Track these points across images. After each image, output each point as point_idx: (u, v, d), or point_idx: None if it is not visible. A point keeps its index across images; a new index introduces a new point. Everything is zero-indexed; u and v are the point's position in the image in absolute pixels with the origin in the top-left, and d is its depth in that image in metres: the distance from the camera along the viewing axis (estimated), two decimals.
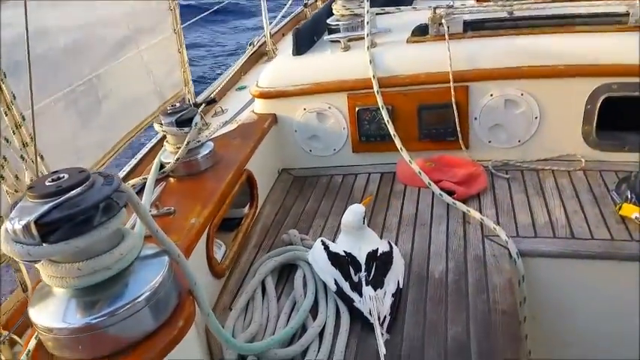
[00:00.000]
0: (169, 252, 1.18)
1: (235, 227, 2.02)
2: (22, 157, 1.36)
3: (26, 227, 0.92)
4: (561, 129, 2.21)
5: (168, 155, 1.92)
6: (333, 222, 2.07)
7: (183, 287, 1.22)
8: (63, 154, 1.81)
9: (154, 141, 2.54)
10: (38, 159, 1.33)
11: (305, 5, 5.03)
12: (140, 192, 1.70)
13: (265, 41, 3.99)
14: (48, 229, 0.94)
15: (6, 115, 1.33)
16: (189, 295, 1.21)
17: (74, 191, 0.97)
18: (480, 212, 1.94)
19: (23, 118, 1.36)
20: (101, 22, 2.13)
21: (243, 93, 3.36)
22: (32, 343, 1.12)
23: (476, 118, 2.27)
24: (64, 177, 1.01)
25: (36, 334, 1.11)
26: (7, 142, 1.31)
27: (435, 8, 2.34)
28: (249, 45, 4.01)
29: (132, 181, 1.88)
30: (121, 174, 2.09)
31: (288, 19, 4.90)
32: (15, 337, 1.30)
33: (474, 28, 2.37)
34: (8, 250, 0.95)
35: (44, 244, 0.94)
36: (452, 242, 1.82)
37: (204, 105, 3.09)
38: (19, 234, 0.93)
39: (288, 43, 4.21)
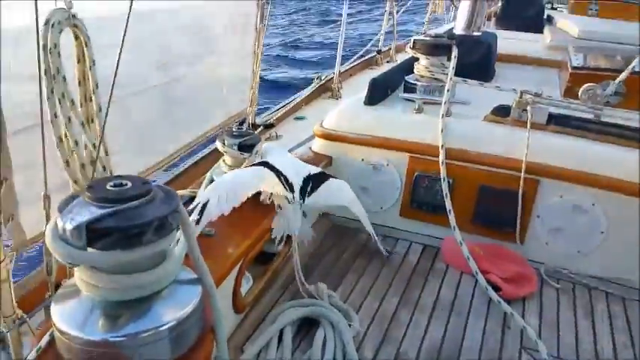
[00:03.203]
0: (204, 282, 1.11)
1: (266, 262, 1.94)
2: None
3: (77, 229, 0.87)
4: (624, 251, 2.06)
5: (221, 173, 1.88)
6: (364, 283, 1.96)
7: (206, 321, 1.13)
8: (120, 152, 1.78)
9: (206, 151, 2.50)
10: (103, 154, 1.28)
11: (378, 52, 5.06)
12: (186, 204, 1.65)
13: (332, 78, 3.99)
14: (96, 235, 0.89)
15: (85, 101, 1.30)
16: (210, 332, 1.12)
17: (133, 202, 0.93)
18: (523, 318, 1.80)
19: (100, 109, 1.33)
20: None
21: (300, 123, 3.35)
22: (45, 339, 1.05)
23: (539, 216, 2.14)
24: (126, 184, 0.97)
25: (51, 331, 1.04)
26: (83, 126, 1.27)
27: (522, 92, 2.26)
28: (317, 78, 4.03)
29: (179, 192, 1.83)
30: (167, 177, 2.04)
31: (358, 60, 4.92)
32: (27, 319, 1.23)
33: (558, 122, 2.26)
34: (52, 247, 0.90)
35: (88, 249, 0.89)
36: (487, 344, 1.68)
37: (262, 127, 3.08)
38: (67, 233, 0.88)
39: (353, 84, 4.23)
